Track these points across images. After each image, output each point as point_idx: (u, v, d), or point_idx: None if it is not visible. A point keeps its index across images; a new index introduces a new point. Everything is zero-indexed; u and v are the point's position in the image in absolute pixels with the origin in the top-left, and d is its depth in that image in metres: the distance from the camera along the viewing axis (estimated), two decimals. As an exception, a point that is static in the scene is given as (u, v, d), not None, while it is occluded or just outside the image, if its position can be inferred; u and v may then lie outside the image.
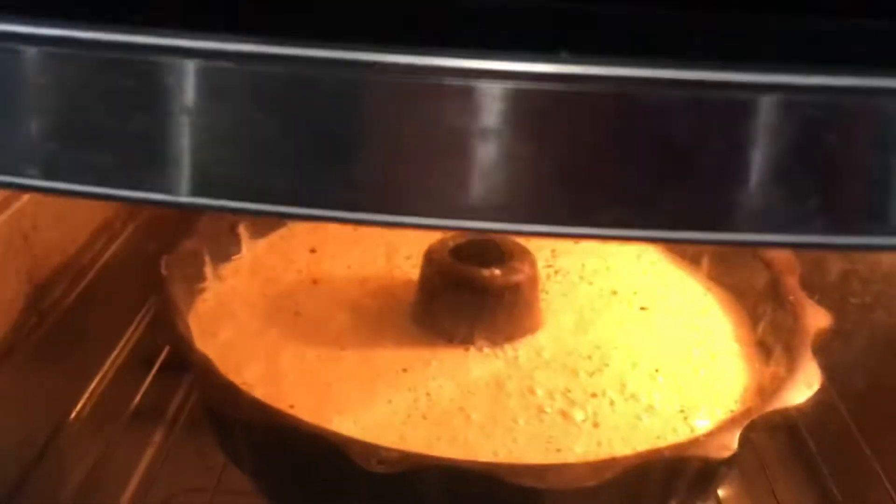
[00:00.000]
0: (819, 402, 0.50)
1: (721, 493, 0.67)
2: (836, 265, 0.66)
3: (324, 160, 0.25)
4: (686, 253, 0.66)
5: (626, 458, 0.45)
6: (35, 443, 0.60)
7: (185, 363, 0.53)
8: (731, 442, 0.44)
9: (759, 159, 0.23)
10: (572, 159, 0.24)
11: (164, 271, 0.56)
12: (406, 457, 0.43)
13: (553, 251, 0.67)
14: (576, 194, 0.25)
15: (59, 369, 0.63)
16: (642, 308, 0.61)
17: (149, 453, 0.71)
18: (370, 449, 0.43)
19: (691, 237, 0.25)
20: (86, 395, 0.66)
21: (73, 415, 0.64)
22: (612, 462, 0.44)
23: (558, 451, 0.49)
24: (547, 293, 0.62)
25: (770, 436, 0.51)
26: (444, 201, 0.25)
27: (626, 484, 0.43)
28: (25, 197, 0.56)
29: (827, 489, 0.67)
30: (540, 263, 0.61)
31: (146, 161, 0.25)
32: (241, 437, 0.51)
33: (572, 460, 0.47)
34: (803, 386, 0.48)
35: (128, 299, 0.71)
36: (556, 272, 0.65)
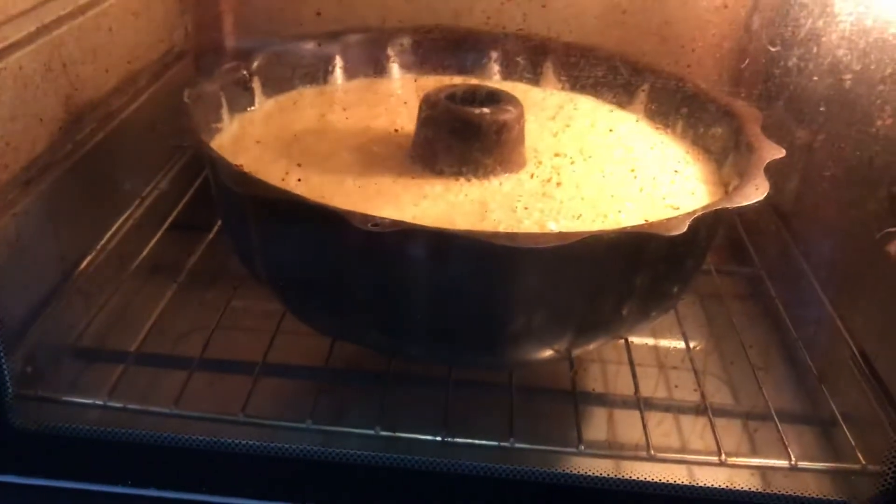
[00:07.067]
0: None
1: (693, 344, 0.73)
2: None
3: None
4: (661, 121, 0.73)
5: (588, 231, 0.51)
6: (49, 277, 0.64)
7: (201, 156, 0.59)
8: (682, 224, 0.50)
9: None
10: None
11: (186, 100, 0.63)
12: (396, 223, 0.49)
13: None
14: None
15: (81, 207, 0.69)
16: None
17: (161, 304, 0.77)
18: (367, 217, 0.49)
19: None
20: (101, 244, 0.71)
21: (84, 263, 0.69)
22: (577, 233, 0.50)
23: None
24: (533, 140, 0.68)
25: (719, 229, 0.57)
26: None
27: (588, 251, 0.49)
28: (64, 27, 0.62)
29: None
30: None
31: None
32: (253, 221, 0.57)
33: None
34: (751, 191, 0.54)
35: (151, 152, 0.78)
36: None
